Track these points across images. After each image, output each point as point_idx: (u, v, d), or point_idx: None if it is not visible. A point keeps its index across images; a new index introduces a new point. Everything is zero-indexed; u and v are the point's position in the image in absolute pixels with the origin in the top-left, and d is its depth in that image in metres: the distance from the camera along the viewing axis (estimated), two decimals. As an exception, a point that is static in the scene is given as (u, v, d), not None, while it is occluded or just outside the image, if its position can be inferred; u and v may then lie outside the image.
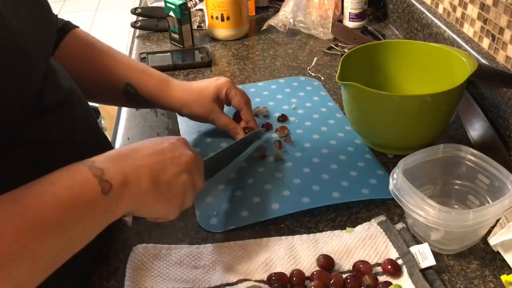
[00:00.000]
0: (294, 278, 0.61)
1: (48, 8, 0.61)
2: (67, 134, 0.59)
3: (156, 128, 0.93)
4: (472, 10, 0.96)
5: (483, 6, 0.92)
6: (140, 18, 1.32)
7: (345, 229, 0.69)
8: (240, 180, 0.79)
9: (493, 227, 0.65)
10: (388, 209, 0.73)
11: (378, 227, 0.68)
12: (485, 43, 0.93)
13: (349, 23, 1.26)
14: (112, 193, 0.51)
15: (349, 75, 0.80)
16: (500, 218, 0.64)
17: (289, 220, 0.72)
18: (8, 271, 0.42)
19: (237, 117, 0.89)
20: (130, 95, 0.81)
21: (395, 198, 0.64)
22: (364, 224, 0.69)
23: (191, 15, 1.21)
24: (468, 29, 0.98)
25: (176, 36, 1.21)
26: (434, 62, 0.87)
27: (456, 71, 0.81)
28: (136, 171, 0.54)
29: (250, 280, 0.61)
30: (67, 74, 0.64)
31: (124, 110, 0.98)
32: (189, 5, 1.29)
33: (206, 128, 0.90)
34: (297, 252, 0.66)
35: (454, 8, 1.03)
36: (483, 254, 0.66)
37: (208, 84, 0.85)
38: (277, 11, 1.34)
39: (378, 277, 0.62)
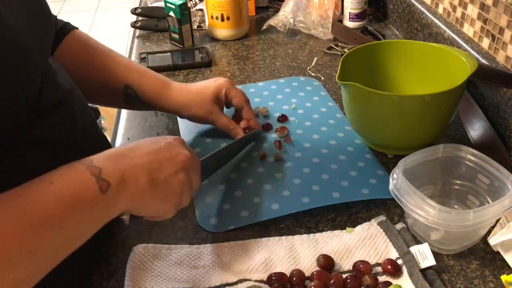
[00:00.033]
0: (294, 278, 0.61)
1: (47, 8, 0.61)
2: (67, 134, 0.59)
3: (156, 128, 0.93)
4: (472, 10, 0.96)
5: (483, 6, 0.92)
6: (140, 18, 1.32)
7: (345, 229, 0.69)
8: (240, 180, 0.79)
9: (493, 227, 0.65)
10: (388, 209, 0.73)
11: (378, 227, 0.68)
12: (485, 43, 0.93)
13: (349, 23, 1.26)
14: (110, 192, 0.51)
15: (349, 75, 0.80)
16: (500, 218, 0.64)
17: (289, 220, 0.72)
18: (9, 268, 0.43)
19: (236, 118, 0.89)
20: (129, 97, 0.81)
21: (395, 198, 0.64)
22: (364, 224, 0.69)
23: (191, 15, 1.21)
24: (468, 29, 0.99)
25: (176, 36, 1.21)
26: (434, 62, 0.87)
27: (456, 71, 0.81)
28: (133, 169, 0.54)
29: (250, 280, 0.61)
30: (66, 74, 0.64)
31: (124, 110, 0.98)
32: (189, 5, 1.29)
33: (206, 128, 0.90)
34: (297, 252, 0.66)
35: (454, 8, 1.03)
36: (483, 254, 0.66)
37: (207, 85, 0.85)
38: (277, 11, 1.34)
39: (378, 277, 0.62)
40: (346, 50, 1.10)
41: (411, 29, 1.18)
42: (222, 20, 1.22)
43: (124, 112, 0.97)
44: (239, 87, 1.01)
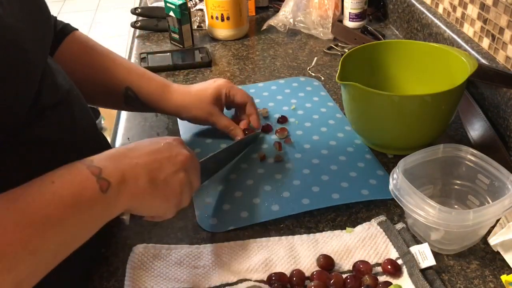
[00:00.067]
0: (294, 278, 0.61)
1: (46, 8, 0.61)
2: (66, 134, 0.59)
3: (156, 128, 0.93)
4: (472, 10, 0.96)
5: (483, 6, 0.92)
6: (140, 18, 1.32)
7: (345, 229, 0.69)
8: (240, 181, 0.79)
9: (493, 227, 0.65)
10: (388, 209, 0.73)
11: (378, 227, 0.68)
12: (485, 43, 0.93)
13: (349, 23, 1.26)
14: (110, 191, 0.51)
15: (349, 75, 0.80)
16: (500, 218, 0.64)
17: (289, 220, 0.72)
18: (9, 268, 0.43)
19: (236, 119, 0.89)
20: (129, 99, 0.81)
21: (395, 198, 0.64)
22: (364, 224, 0.69)
23: (191, 15, 1.21)
24: (468, 29, 0.99)
25: (176, 36, 1.21)
26: (434, 62, 0.87)
27: (456, 71, 0.81)
28: (133, 169, 0.55)
29: (250, 280, 0.61)
30: (65, 75, 0.64)
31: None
32: (189, 5, 1.29)
33: (206, 129, 0.90)
34: (297, 252, 0.66)
35: (454, 8, 1.03)
36: (483, 254, 0.66)
37: (207, 87, 0.85)
38: (277, 11, 1.34)
39: (378, 277, 0.62)
40: (346, 50, 1.10)
41: (411, 29, 1.18)
42: (222, 20, 1.22)
43: (124, 112, 0.97)
44: (239, 87, 1.01)
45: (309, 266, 0.64)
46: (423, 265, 0.62)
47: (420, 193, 0.62)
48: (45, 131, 0.55)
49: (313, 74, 1.09)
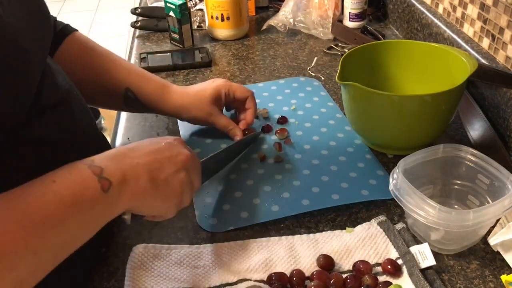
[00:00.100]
0: (294, 278, 0.61)
1: (45, 8, 0.61)
2: (66, 134, 0.59)
3: (156, 128, 0.93)
4: (472, 10, 0.96)
5: (483, 6, 0.92)
6: (140, 18, 1.32)
7: (345, 229, 0.69)
8: (240, 181, 0.79)
9: (493, 227, 0.65)
10: (388, 209, 0.73)
11: (378, 227, 0.68)
12: (485, 43, 0.93)
13: (349, 23, 1.26)
14: (111, 191, 0.51)
15: (349, 75, 0.80)
16: (500, 218, 0.64)
17: (289, 220, 0.72)
18: (9, 268, 0.43)
19: (235, 119, 0.89)
20: (129, 100, 0.81)
21: (395, 198, 0.64)
22: (364, 224, 0.69)
23: (191, 15, 1.21)
24: (468, 29, 0.99)
25: (176, 36, 1.21)
26: (434, 62, 0.87)
27: (456, 71, 0.81)
28: (134, 169, 0.55)
29: (250, 280, 0.61)
30: (65, 75, 0.64)
31: (124, 110, 0.98)
32: (189, 5, 1.29)
33: (206, 129, 0.90)
34: (297, 252, 0.66)
35: (454, 8, 1.03)
36: (483, 254, 0.66)
37: (206, 87, 0.85)
38: (277, 11, 1.34)
39: (378, 277, 0.62)
40: (346, 50, 1.10)
41: (411, 29, 1.18)
42: (222, 20, 1.22)
43: (124, 113, 0.97)
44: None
45: (309, 266, 0.64)
46: (423, 265, 0.62)
47: (420, 193, 0.62)
48: (45, 131, 0.55)
49: (313, 74, 1.09)
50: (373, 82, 0.82)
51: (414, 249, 0.64)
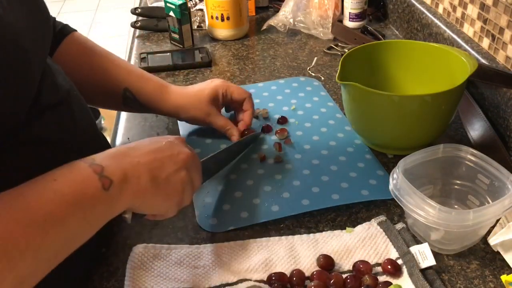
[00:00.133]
0: (294, 278, 0.61)
1: (45, 7, 0.61)
2: (66, 134, 0.59)
3: (156, 128, 0.93)
4: (472, 10, 0.96)
5: (483, 6, 0.92)
6: (140, 18, 1.32)
7: (345, 229, 0.69)
8: (240, 181, 0.79)
9: (493, 227, 0.65)
10: (388, 209, 0.73)
11: (378, 227, 0.68)
12: (485, 43, 0.93)
13: (349, 23, 1.26)
14: (112, 189, 0.51)
15: (349, 75, 0.80)
16: (500, 218, 0.64)
17: (289, 220, 0.72)
18: (12, 266, 0.43)
19: (234, 120, 0.89)
20: (128, 100, 0.81)
21: (395, 198, 0.64)
22: (364, 224, 0.69)
23: (191, 15, 1.21)
24: (468, 29, 0.99)
25: (176, 36, 1.21)
26: (434, 62, 0.87)
27: (456, 71, 0.81)
28: (135, 168, 0.55)
29: (250, 280, 0.61)
30: (65, 75, 0.64)
31: (124, 110, 0.98)
32: (189, 5, 1.29)
33: (206, 129, 0.90)
34: (297, 252, 0.66)
35: (454, 8, 1.03)
36: (483, 254, 0.66)
37: (203, 87, 0.86)
38: (277, 11, 1.34)
39: (378, 277, 0.62)
40: (346, 50, 1.10)
41: (411, 29, 1.18)
42: (222, 20, 1.22)
43: (124, 113, 0.97)
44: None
45: (309, 266, 0.64)
46: (423, 265, 0.62)
47: (420, 193, 0.62)
48: (45, 131, 0.55)
49: (313, 74, 1.09)
50: (373, 82, 0.82)
51: (414, 249, 0.64)
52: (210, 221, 0.71)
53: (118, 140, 0.90)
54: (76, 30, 0.80)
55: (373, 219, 0.70)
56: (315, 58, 1.14)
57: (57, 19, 0.79)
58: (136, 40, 1.28)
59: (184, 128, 0.91)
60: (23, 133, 0.52)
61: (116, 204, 0.53)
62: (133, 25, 1.30)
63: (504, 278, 0.60)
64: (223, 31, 1.24)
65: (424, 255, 0.63)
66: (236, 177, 0.80)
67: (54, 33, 0.75)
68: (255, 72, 1.11)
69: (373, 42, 0.99)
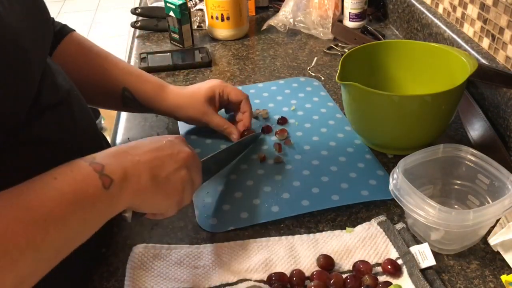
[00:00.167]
0: (294, 278, 0.61)
1: (45, 8, 0.61)
2: (66, 134, 0.59)
3: (156, 128, 0.93)
4: (472, 10, 0.96)
5: (483, 6, 0.92)
6: (140, 18, 1.32)
7: (345, 229, 0.69)
8: (240, 181, 0.79)
9: (493, 227, 0.65)
10: (388, 209, 0.73)
11: (378, 227, 0.68)
12: (485, 43, 0.93)
13: (349, 23, 1.26)
14: (112, 188, 0.51)
15: (349, 75, 0.80)
16: (500, 218, 0.64)
17: (289, 220, 0.72)
18: (12, 265, 0.43)
19: (232, 120, 0.89)
20: (127, 100, 0.82)
21: (395, 198, 0.64)
22: (364, 224, 0.69)
23: (191, 15, 1.22)
24: (468, 29, 0.99)
25: (176, 36, 1.21)
26: (434, 62, 0.87)
27: (456, 71, 0.81)
28: (135, 166, 0.55)
29: (250, 280, 0.61)
30: (65, 75, 0.64)
31: (124, 110, 0.98)
32: (189, 5, 1.29)
33: (205, 129, 0.90)
34: (297, 252, 0.66)
35: (454, 8, 1.03)
36: (483, 254, 0.66)
37: (200, 87, 0.86)
38: (277, 11, 1.34)
39: (378, 277, 0.62)
40: (346, 50, 1.10)
41: (411, 29, 1.18)
42: (222, 20, 1.22)
43: (124, 113, 0.97)
44: (239, 87, 1.01)
45: (309, 266, 0.64)
46: (423, 265, 0.62)
47: (420, 193, 0.62)
48: (45, 131, 0.55)
49: (313, 74, 1.09)
50: (373, 82, 0.82)
51: (414, 249, 0.64)
52: (210, 221, 0.71)
53: (118, 140, 0.90)
54: (74, 30, 0.80)
55: (373, 219, 0.70)
56: (315, 58, 1.14)
57: (57, 19, 0.79)
58: (136, 40, 1.28)
59: (184, 128, 0.91)
60: (23, 133, 0.52)
61: (117, 203, 0.53)
62: (133, 25, 1.30)
63: (504, 278, 0.60)
64: (223, 31, 1.24)
65: (424, 255, 0.63)
66: (236, 178, 0.79)
67: (53, 33, 0.75)
68: (255, 72, 1.11)
69: (373, 42, 0.99)
